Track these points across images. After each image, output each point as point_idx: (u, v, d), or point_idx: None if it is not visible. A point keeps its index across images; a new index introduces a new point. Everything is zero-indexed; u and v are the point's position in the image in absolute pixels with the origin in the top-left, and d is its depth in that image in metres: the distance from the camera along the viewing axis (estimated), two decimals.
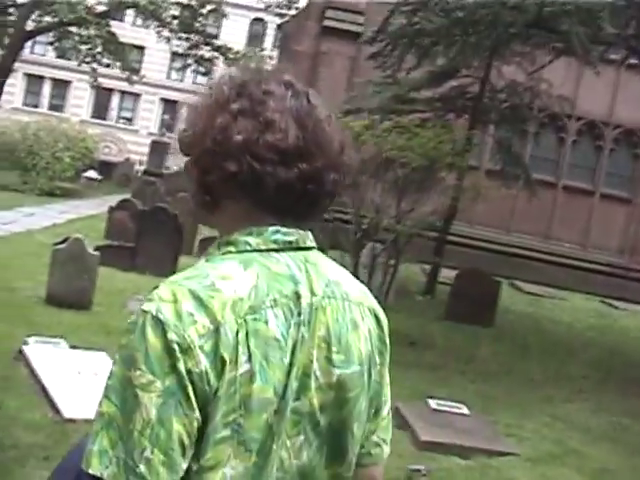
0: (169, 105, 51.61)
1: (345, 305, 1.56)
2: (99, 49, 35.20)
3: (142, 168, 35.66)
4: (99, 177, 26.89)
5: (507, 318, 13.76)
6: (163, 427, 1.34)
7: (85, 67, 36.71)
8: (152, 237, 12.08)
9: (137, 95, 51.92)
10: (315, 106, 1.56)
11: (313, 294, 1.51)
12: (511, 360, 10.69)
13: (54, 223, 16.06)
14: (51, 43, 39.24)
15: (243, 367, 1.39)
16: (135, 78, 37.10)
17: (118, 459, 1.34)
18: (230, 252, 1.51)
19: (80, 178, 24.64)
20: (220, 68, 38.30)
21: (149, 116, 52.84)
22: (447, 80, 14.10)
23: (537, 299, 17.27)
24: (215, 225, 1.61)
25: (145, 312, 1.40)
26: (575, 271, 20.08)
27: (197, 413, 1.36)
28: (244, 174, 1.48)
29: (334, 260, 1.66)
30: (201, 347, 1.37)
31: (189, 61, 39.46)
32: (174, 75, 52.79)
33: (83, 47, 35.76)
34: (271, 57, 36.90)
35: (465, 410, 7.73)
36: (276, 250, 1.52)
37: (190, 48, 36.07)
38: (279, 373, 1.43)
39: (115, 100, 53.20)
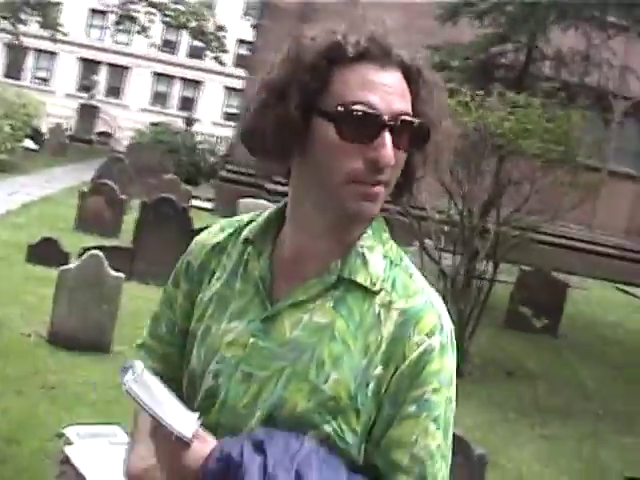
0: (88, 65, 48.35)
1: None
2: (18, 3, 31.93)
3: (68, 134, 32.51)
4: (36, 147, 23.76)
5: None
6: None
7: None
8: (155, 236, 9.51)
9: (53, 54, 48.42)
10: None
11: None
12: (619, 390, 8.59)
13: (7, 210, 13.15)
14: None
15: None
16: (59, 36, 33.97)
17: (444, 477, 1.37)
18: (392, 242, 1.46)
19: (15, 148, 21.48)
20: (158, 27, 35.38)
21: (67, 76, 49.34)
22: (496, 46, 11.80)
23: None
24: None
25: (448, 330, 1.38)
26: (584, 254, 18.22)
27: None
28: None
29: None
30: None
31: (112, 18, 36.31)
32: (94, 34, 49.49)
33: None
34: (213, 14, 33.97)
35: None
36: None
37: (124, 3, 32.87)
38: None
39: (30, 59, 49.56)
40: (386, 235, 1.44)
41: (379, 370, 1.33)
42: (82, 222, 12.03)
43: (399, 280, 1.38)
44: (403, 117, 1.34)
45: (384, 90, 1.33)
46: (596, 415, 7.43)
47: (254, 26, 24.97)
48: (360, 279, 1.37)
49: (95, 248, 9.20)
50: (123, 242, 11.07)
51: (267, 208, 1.50)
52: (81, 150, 29.42)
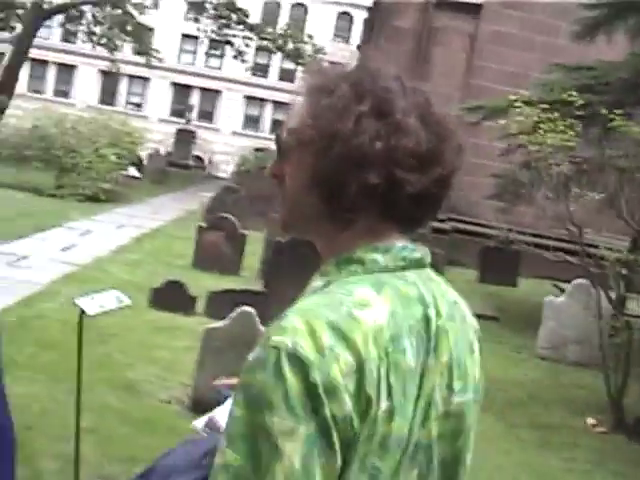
0: (180, 89, 48.50)
1: (464, 328, 1.36)
2: (115, 30, 31.88)
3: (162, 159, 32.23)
4: (139, 175, 23.41)
5: None
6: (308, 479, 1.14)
7: (92, 51, 33.49)
8: (288, 278, 8.68)
9: (146, 79, 48.74)
10: (432, 103, 1.34)
11: (439, 316, 1.30)
12: None
13: (118, 245, 12.58)
14: (63, 24, 36.25)
15: (384, 404, 1.18)
16: (154, 62, 33.87)
17: None
18: (357, 273, 1.28)
19: (118, 177, 21.20)
20: (253, 50, 35.02)
21: (160, 101, 49.56)
22: None
23: None
24: (325, 242, 1.36)
25: (277, 347, 1.15)
26: None
27: (339, 461, 1.15)
28: (384, 184, 1.26)
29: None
30: (346, 387, 1.15)
31: (206, 43, 36.05)
32: (185, 58, 49.69)
33: (97, 28, 32.45)
34: (310, 36, 33.35)
35: None
36: (403, 268, 1.30)
37: (220, 28, 32.47)
38: (411, 406, 1.22)
39: (123, 85, 49.99)
40: (349, 268, 1.28)
41: None
42: (200, 259, 11.34)
43: (305, 301, 1.24)
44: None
45: None
46: None
47: (359, 47, 24.28)
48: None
49: (225, 292, 8.52)
50: (246, 281, 10.35)
51: None
52: (178, 175, 29.10)
